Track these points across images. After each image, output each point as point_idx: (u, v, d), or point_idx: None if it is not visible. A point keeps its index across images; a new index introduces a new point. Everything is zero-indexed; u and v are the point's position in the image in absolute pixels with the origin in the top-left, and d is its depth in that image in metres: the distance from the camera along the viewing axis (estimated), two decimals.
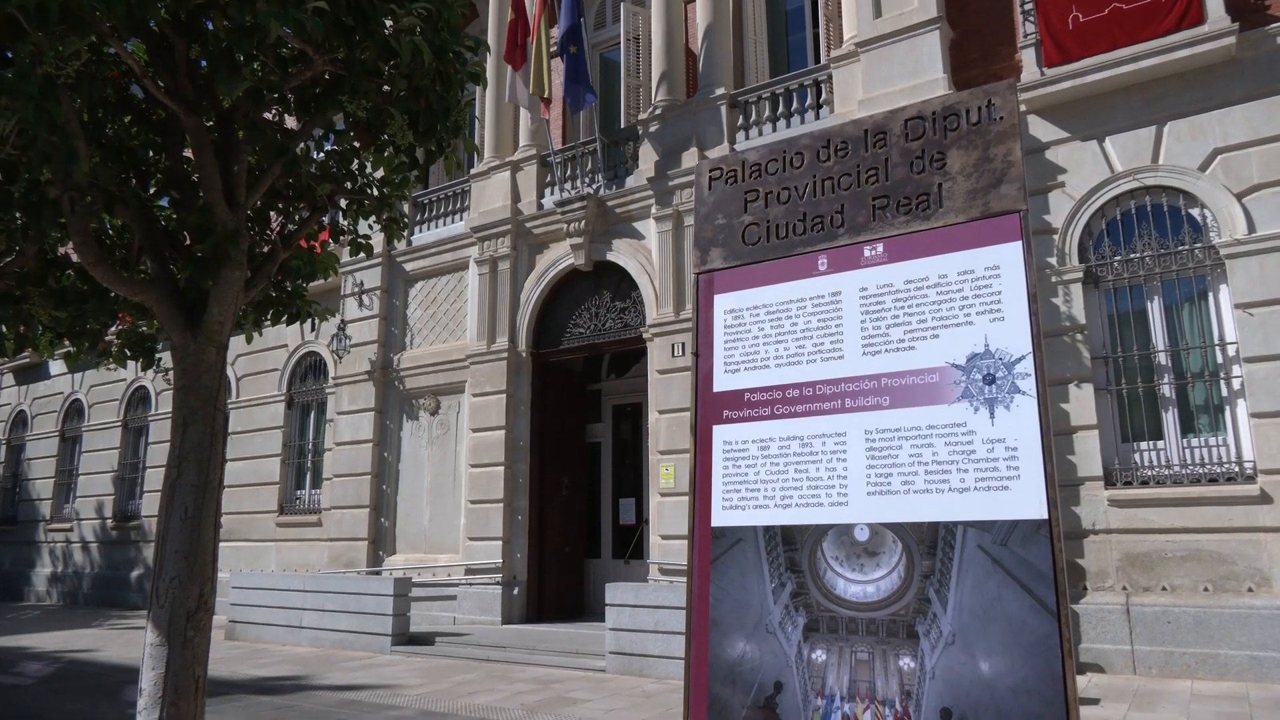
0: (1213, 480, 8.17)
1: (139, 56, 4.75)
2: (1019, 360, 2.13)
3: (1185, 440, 8.44)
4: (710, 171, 2.73)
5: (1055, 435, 8.58)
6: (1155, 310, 8.73)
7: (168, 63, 4.54)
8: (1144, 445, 8.61)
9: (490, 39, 14.03)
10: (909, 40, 9.84)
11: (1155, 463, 8.52)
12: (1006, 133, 2.16)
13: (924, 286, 2.26)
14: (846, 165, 2.40)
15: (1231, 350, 8.27)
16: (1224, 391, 8.33)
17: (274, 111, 5.35)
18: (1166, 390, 8.55)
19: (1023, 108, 9.25)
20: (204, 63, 4.62)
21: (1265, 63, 8.38)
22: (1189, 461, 8.36)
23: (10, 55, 4.03)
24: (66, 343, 5.59)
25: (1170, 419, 8.53)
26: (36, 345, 5.30)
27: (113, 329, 5.60)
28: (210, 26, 4.39)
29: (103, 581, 18.99)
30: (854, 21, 10.45)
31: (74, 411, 21.08)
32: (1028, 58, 9.36)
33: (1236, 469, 8.10)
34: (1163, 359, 8.61)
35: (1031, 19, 9.37)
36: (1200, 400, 8.49)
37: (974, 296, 2.20)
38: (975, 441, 2.19)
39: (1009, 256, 2.15)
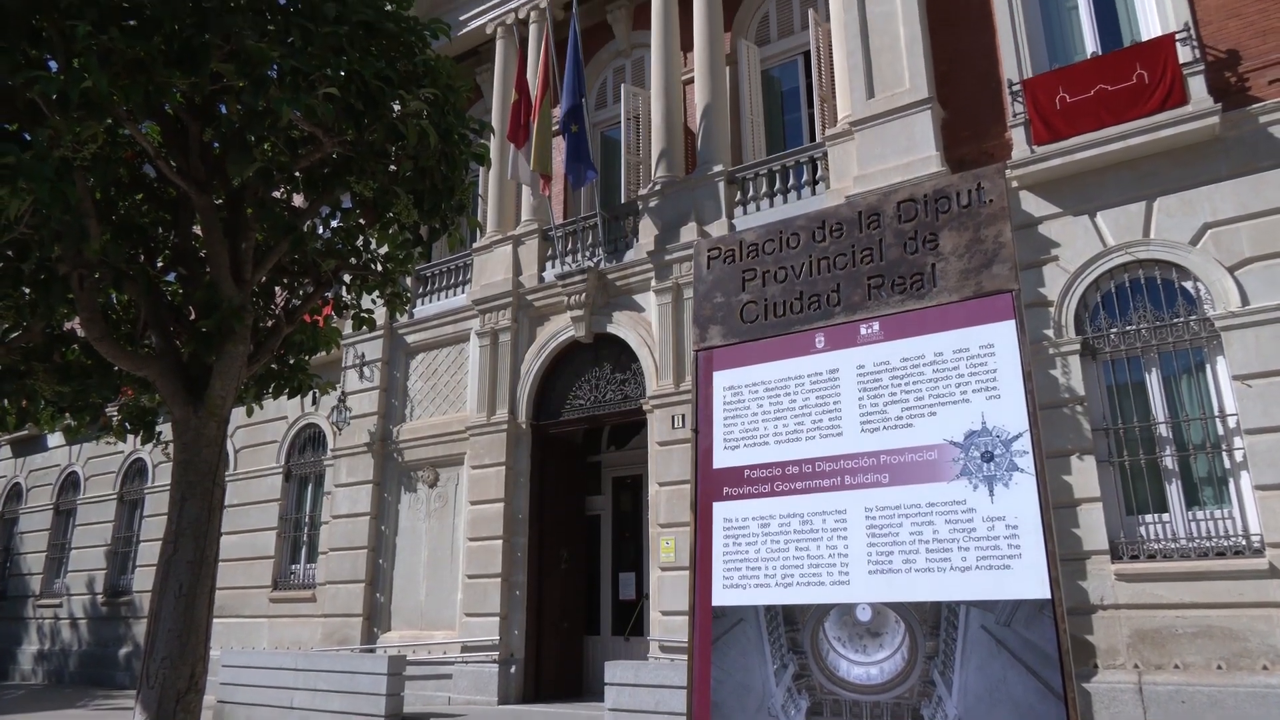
0: (1220, 554, 8.07)
1: (153, 138, 4.89)
2: (1016, 438, 2.14)
3: (1190, 513, 8.36)
4: (709, 251, 2.79)
5: (1058, 508, 8.51)
6: (1154, 382, 8.76)
7: (181, 144, 4.68)
8: (1149, 518, 8.53)
9: (494, 117, 14.43)
10: (902, 119, 10.11)
11: (1161, 536, 8.42)
12: (996, 215, 2.22)
13: (920, 364, 2.29)
14: (841, 245, 2.46)
15: (1232, 422, 8.27)
16: (1226, 464, 8.30)
17: (282, 190, 5.48)
18: (1169, 462, 8.51)
19: (1014, 184, 9.46)
20: (216, 144, 4.75)
21: (1249, 141, 8.60)
22: (1195, 534, 8.27)
23: (28, 137, 4.15)
24: (68, 417, 5.60)
25: (1174, 491, 8.47)
26: (38, 420, 5.32)
27: (114, 403, 5.62)
28: (224, 110, 4.53)
29: (91, 659, 18.54)
30: (848, 101, 10.76)
31: (70, 484, 20.92)
32: (1018, 136, 9.61)
33: (1244, 542, 8.01)
34: (1163, 431, 8.60)
35: (1020, 99, 9.65)
36: (1203, 472, 8.45)
37: (970, 374, 2.23)
38: (975, 519, 2.18)
39: (1003, 335, 2.19)
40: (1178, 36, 8.86)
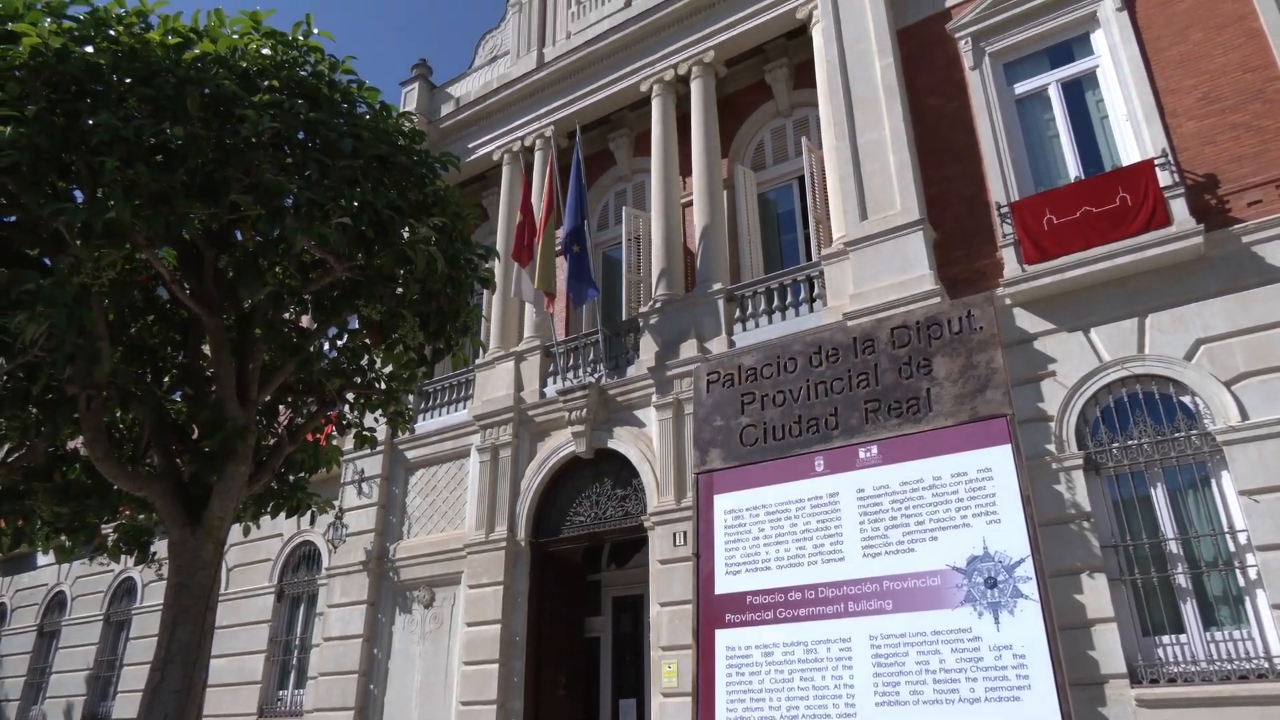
0: (1243, 677, 7.78)
1: (168, 262, 5.04)
2: (1019, 563, 2.13)
3: (1208, 633, 8.11)
4: (708, 375, 2.84)
5: (1072, 629, 8.27)
6: (1159, 497, 8.67)
7: (195, 268, 4.83)
8: (1166, 639, 8.27)
9: (499, 238, 14.88)
10: (895, 240, 10.42)
11: (1180, 658, 8.14)
12: (987, 341, 2.28)
13: (919, 488, 2.30)
14: (838, 370, 2.51)
15: (1242, 538, 8.14)
16: (1241, 581, 8.12)
17: (291, 311, 5.61)
18: (1182, 580, 8.33)
19: (1008, 301, 9.66)
20: (228, 268, 4.90)
21: (1234, 259, 8.84)
22: (1215, 656, 8.00)
23: (48, 262, 4.28)
24: (63, 537, 5.54)
25: (1190, 611, 8.25)
26: (33, 540, 5.26)
27: (110, 523, 5.58)
28: (239, 236, 4.70)
29: None
30: (842, 223, 11.12)
31: (56, 605, 20.37)
32: (1008, 255, 9.87)
33: (1266, 664, 7.74)
34: (1173, 547, 8.45)
35: (1008, 221, 9.98)
36: (1218, 590, 8.25)
37: (969, 499, 2.23)
38: (982, 648, 2.14)
39: (1000, 459, 2.21)
40: (1156, 162, 9.24)
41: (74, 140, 3.88)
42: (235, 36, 5.08)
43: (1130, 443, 8.85)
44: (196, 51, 4.51)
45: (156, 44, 4.57)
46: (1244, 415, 8.32)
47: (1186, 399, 8.76)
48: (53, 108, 4.00)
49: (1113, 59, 10.37)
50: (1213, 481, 8.49)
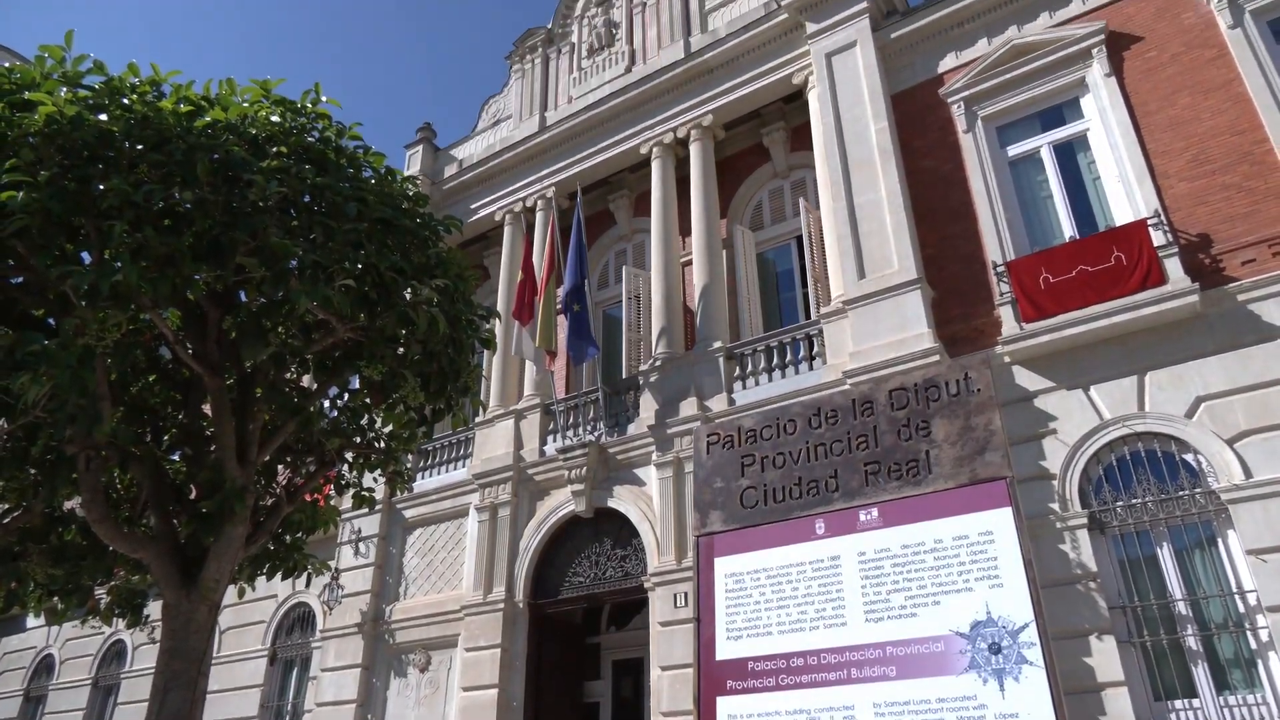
0: None
1: (172, 322, 5.08)
2: (1023, 628, 2.10)
3: (1221, 698, 7.93)
4: (708, 436, 2.85)
5: (1082, 693, 8.08)
6: (1166, 556, 8.57)
7: (199, 329, 4.86)
8: (1179, 704, 8.08)
9: (500, 297, 15.00)
10: (893, 298, 10.49)
11: None
12: (985, 404, 2.30)
13: (921, 551, 2.29)
14: (837, 432, 2.52)
15: (1252, 599, 8.02)
16: (1252, 643, 7.97)
17: (292, 371, 5.63)
18: (1192, 642, 8.18)
19: (1006, 359, 9.69)
20: (231, 329, 4.94)
21: (1230, 318, 8.89)
22: None
23: (52, 322, 4.32)
24: (55, 599, 5.47)
25: (1201, 674, 8.07)
26: (25, 602, 5.19)
27: (104, 585, 5.51)
28: (243, 297, 4.75)
29: None
30: (840, 281, 11.21)
31: (44, 668, 19.94)
32: (1006, 314, 9.93)
33: None
34: (1182, 608, 8.32)
35: (1005, 279, 10.06)
36: (1229, 653, 8.10)
37: (971, 562, 2.22)
38: (988, 716, 2.10)
39: (1000, 522, 2.20)
40: (1150, 221, 9.37)
41: (84, 204, 3.96)
42: (246, 104, 5.21)
43: (1134, 501, 8.78)
44: (208, 119, 4.63)
45: (169, 111, 4.69)
46: (1247, 473, 8.27)
47: (1189, 457, 8.72)
48: (65, 173, 4.08)
49: (1103, 122, 10.61)
50: (1219, 540, 8.40)
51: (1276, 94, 9.58)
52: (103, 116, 4.28)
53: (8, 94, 4.48)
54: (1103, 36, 10.77)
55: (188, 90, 5.15)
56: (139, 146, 4.25)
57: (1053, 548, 8.71)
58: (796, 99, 13.46)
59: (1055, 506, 8.96)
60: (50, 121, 4.14)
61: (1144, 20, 10.81)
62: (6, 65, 4.70)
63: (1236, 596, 8.13)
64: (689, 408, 11.61)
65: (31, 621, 20.70)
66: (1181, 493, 8.60)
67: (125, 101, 4.50)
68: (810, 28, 12.79)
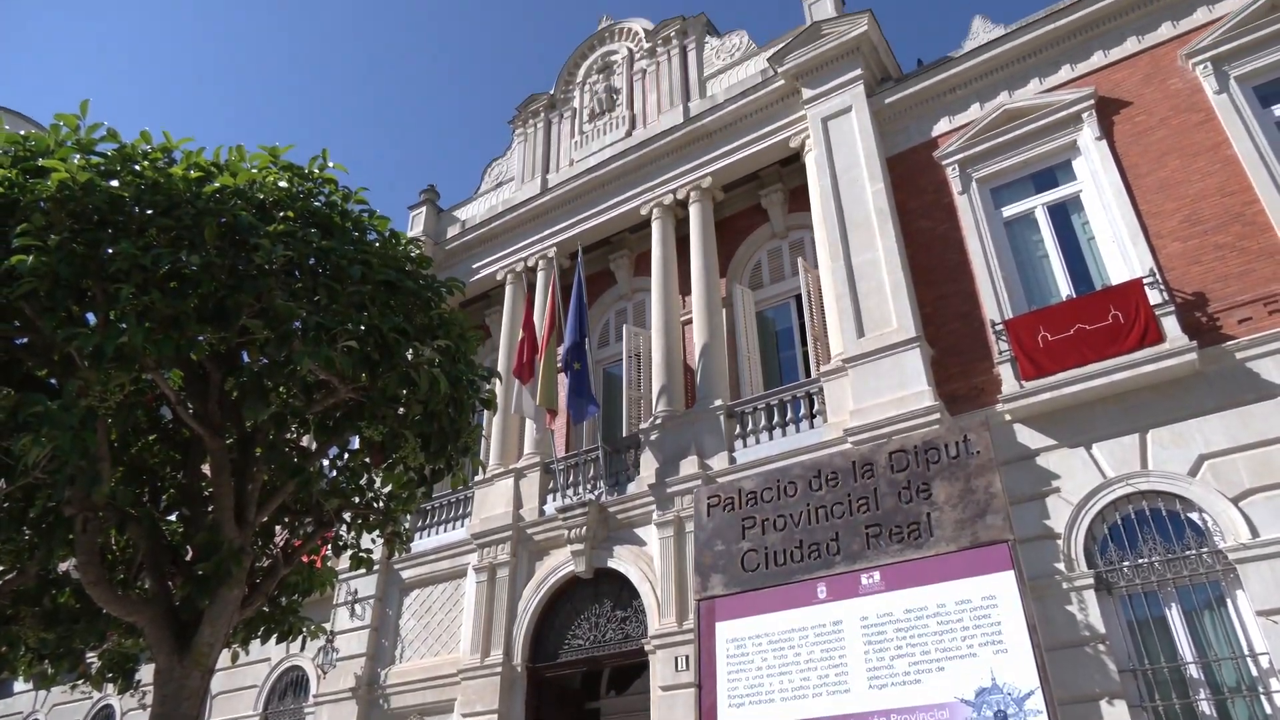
0: None
1: (174, 383, 5.11)
2: (1029, 695, 2.07)
3: None
4: (708, 499, 2.84)
5: None
6: (1175, 617, 8.42)
7: (201, 390, 4.88)
8: None
9: (501, 355, 15.06)
10: (892, 357, 10.52)
11: None
12: (985, 466, 2.30)
13: (924, 616, 2.27)
14: (838, 494, 2.52)
15: (1264, 661, 7.86)
16: (1267, 708, 7.78)
17: (293, 431, 5.63)
18: (1205, 707, 7.98)
19: (1007, 417, 9.68)
20: (233, 390, 4.96)
21: (1229, 375, 8.91)
22: None
23: (55, 383, 4.34)
24: (46, 663, 5.38)
25: None
26: (15, 667, 5.10)
27: (95, 649, 5.42)
28: (246, 358, 4.78)
29: None
30: (839, 340, 11.27)
31: None
32: (1005, 371, 9.95)
33: None
34: (1194, 671, 8.14)
35: (1003, 338, 10.11)
36: (1244, 718, 7.90)
37: (974, 627, 2.20)
38: None
39: (1003, 587, 2.18)
40: (1145, 281, 9.46)
41: (93, 268, 4.02)
42: (254, 170, 5.32)
43: (1141, 561, 8.67)
44: (217, 184, 4.73)
45: (179, 177, 4.79)
46: (1254, 532, 8.19)
47: (1194, 515, 8.64)
48: (74, 237, 4.16)
49: (1095, 184, 10.79)
50: (1228, 601, 8.27)
51: (1265, 156, 9.77)
52: (114, 182, 4.38)
53: (22, 160, 4.59)
54: (1092, 101, 11.04)
55: (198, 156, 5.27)
56: (149, 211, 4.33)
57: (1060, 609, 8.56)
58: (794, 162, 13.73)
59: (1061, 566, 8.84)
60: (62, 187, 4.23)
61: (1132, 86, 11.08)
62: (22, 132, 4.82)
63: (1249, 659, 7.97)
64: (690, 466, 11.55)
65: (19, 686, 20.26)
66: (1188, 552, 8.50)
67: (136, 167, 4.61)
68: (806, 93, 13.10)
